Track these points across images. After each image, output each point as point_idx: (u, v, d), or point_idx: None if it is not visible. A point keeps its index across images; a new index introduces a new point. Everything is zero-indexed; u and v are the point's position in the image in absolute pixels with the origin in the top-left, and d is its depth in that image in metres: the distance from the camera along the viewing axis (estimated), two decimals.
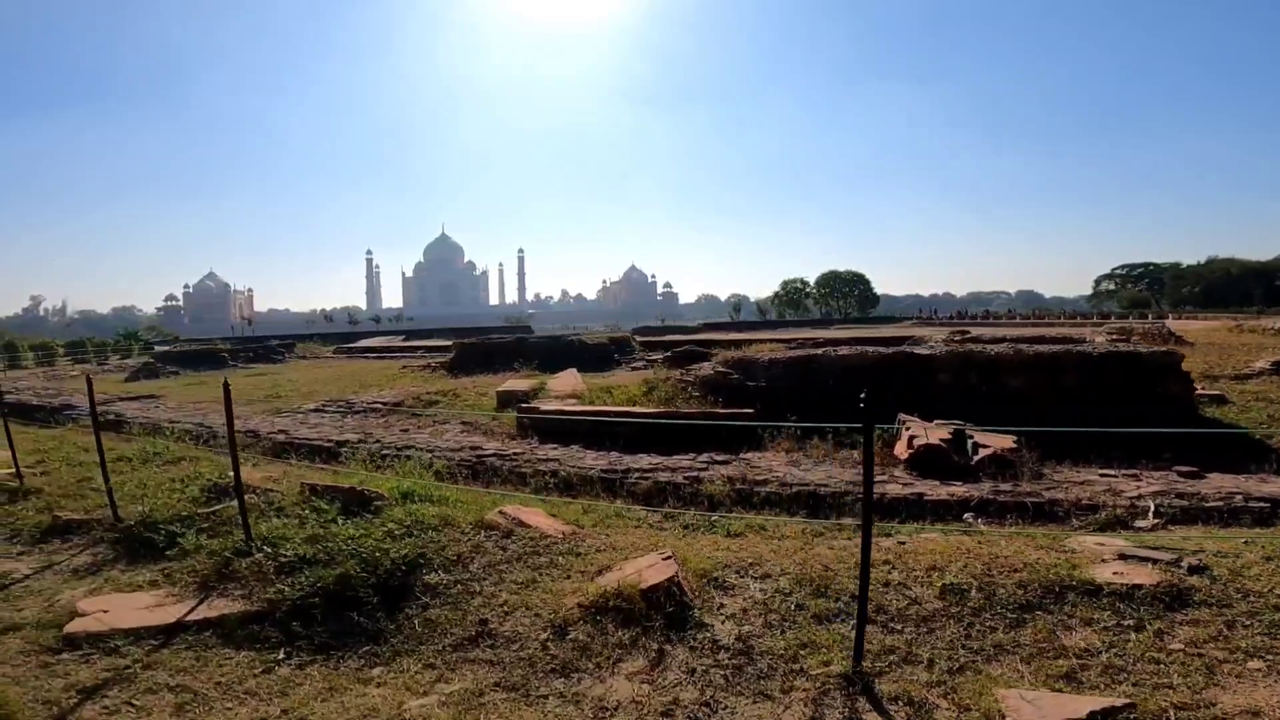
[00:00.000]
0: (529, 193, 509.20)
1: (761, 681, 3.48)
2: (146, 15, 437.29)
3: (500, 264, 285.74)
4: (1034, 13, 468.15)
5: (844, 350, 10.60)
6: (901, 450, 8.36)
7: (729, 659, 3.67)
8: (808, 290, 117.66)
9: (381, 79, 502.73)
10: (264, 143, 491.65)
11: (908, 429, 8.60)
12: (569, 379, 13.75)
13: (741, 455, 8.70)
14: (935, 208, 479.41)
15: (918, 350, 10.45)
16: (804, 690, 3.38)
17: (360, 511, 6.08)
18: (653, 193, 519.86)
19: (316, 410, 13.01)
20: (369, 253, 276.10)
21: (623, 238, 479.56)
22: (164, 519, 6.12)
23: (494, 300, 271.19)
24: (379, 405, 12.83)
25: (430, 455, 8.87)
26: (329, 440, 10.13)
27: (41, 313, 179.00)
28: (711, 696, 3.40)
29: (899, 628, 3.83)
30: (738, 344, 16.65)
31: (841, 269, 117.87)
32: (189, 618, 4.36)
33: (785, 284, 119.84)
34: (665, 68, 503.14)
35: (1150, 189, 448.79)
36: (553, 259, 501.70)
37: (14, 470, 8.58)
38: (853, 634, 3.57)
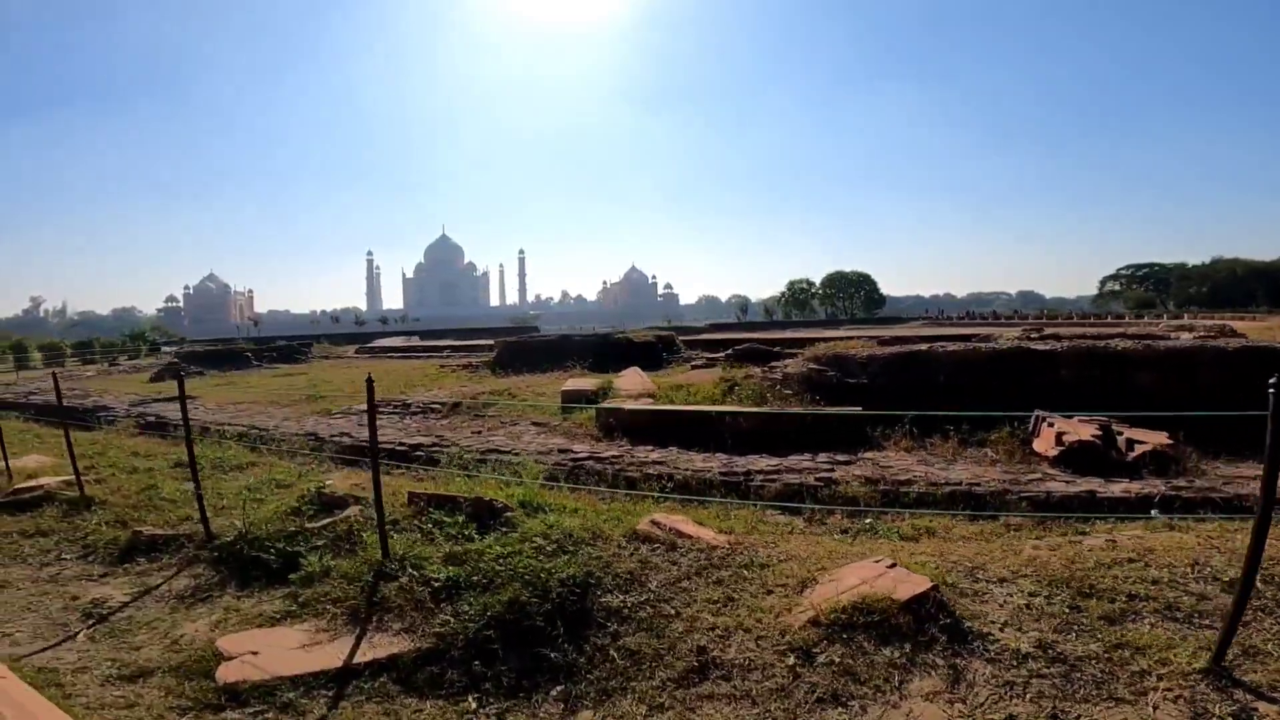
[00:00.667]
0: (529, 193, 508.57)
1: (1103, 686, 3.06)
2: (145, 15, 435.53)
3: (501, 265, 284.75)
4: (1033, 12, 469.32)
5: (953, 346, 9.90)
6: (1044, 447, 7.75)
7: (1045, 667, 3.19)
8: (813, 290, 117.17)
9: (381, 79, 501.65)
10: (264, 143, 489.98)
11: (1050, 425, 7.94)
12: (635, 378, 12.99)
13: (861, 455, 8.12)
14: (935, 208, 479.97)
15: (1035, 346, 9.75)
16: (1164, 690, 2.99)
17: (491, 524, 5.35)
18: (652, 193, 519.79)
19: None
20: (369, 253, 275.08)
21: (623, 239, 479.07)
22: (269, 535, 5.36)
23: (494, 301, 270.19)
24: (437, 405, 12.07)
25: (520, 459, 8.14)
26: (401, 444, 9.37)
27: (42, 314, 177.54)
28: (1053, 708, 2.95)
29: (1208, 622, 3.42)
30: (774, 343, 15.94)
31: (846, 269, 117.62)
32: (357, 660, 3.61)
33: (791, 284, 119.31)
34: (665, 68, 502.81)
35: (1150, 189, 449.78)
36: (553, 260, 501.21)
37: (72, 478, 7.83)
38: (1178, 632, 3.34)
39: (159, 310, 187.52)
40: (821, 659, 3.39)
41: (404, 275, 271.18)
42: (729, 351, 14.70)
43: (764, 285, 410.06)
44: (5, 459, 8.43)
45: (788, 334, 32.79)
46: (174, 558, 5.52)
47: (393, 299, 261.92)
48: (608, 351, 16.96)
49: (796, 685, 3.26)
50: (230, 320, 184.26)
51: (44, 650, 3.86)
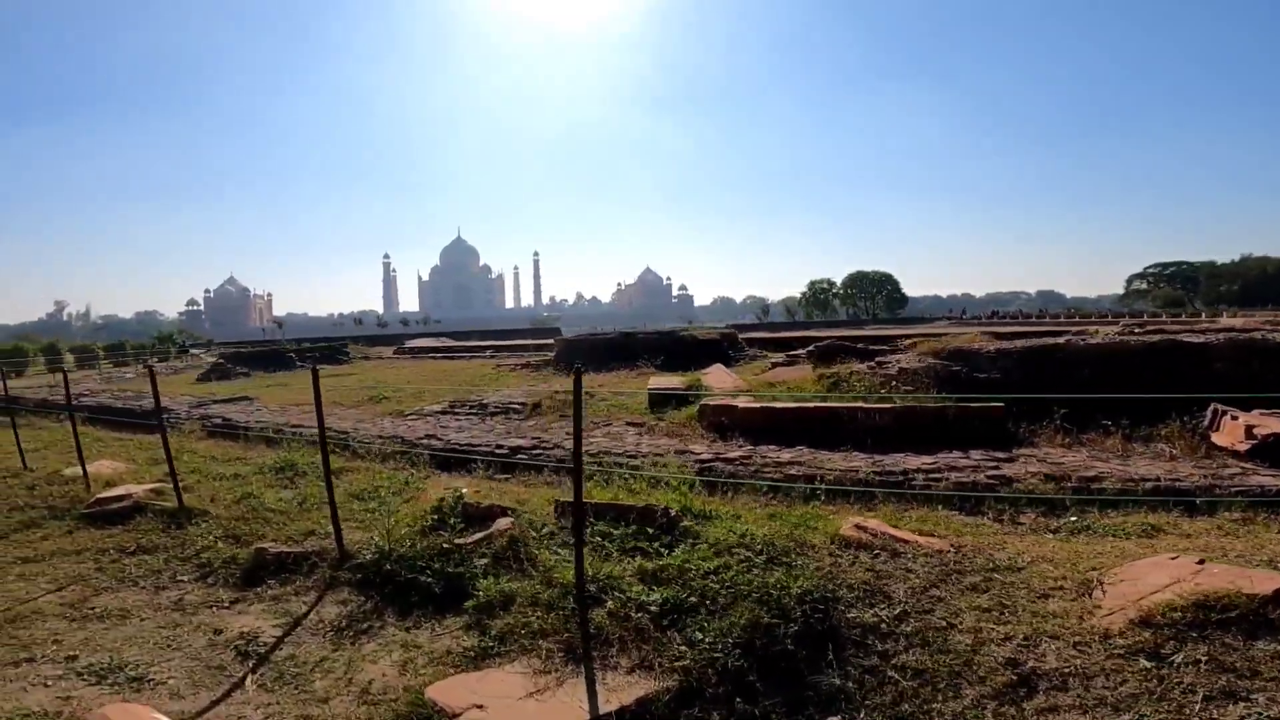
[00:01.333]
0: (544, 196, 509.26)
1: None
2: (165, 20, 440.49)
3: (515, 267, 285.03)
4: (1055, 11, 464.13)
5: (1095, 339, 9.08)
6: (1230, 440, 7.11)
7: None
8: (834, 291, 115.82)
9: (397, 84, 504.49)
10: (282, 147, 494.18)
11: (1234, 418, 7.16)
12: (722, 375, 12.25)
13: (1017, 452, 7.45)
14: (950, 209, 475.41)
15: (1188, 339, 8.92)
16: None
17: (664, 535, 4.64)
18: (666, 195, 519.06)
19: (447, 412, 11.56)
20: (386, 256, 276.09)
21: (637, 241, 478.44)
22: (417, 554, 4.65)
23: (509, 303, 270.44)
24: (516, 405, 11.36)
25: (638, 462, 7.43)
26: (499, 447, 8.66)
27: (65, 318, 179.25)
28: None
29: None
30: (856, 340, 15.08)
31: (868, 269, 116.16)
32: (604, 709, 2.89)
33: (812, 284, 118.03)
34: (676, 72, 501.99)
35: (1168, 189, 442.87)
36: (567, 262, 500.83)
37: (159, 486, 7.18)
38: None
39: (180, 313, 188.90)
40: (1180, 658, 3.06)
41: (420, 278, 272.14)
42: (810, 349, 13.89)
43: (777, 286, 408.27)
44: (83, 466, 7.79)
45: (830, 333, 31.78)
46: (308, 580, 4.82)
47: (408, 301, 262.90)
48: (672, 349, 16.19)
49: (1168, 687, 2.93)
50: (250, 323, 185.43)
51: (215, 705, 3.16)
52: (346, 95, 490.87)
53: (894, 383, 9.76)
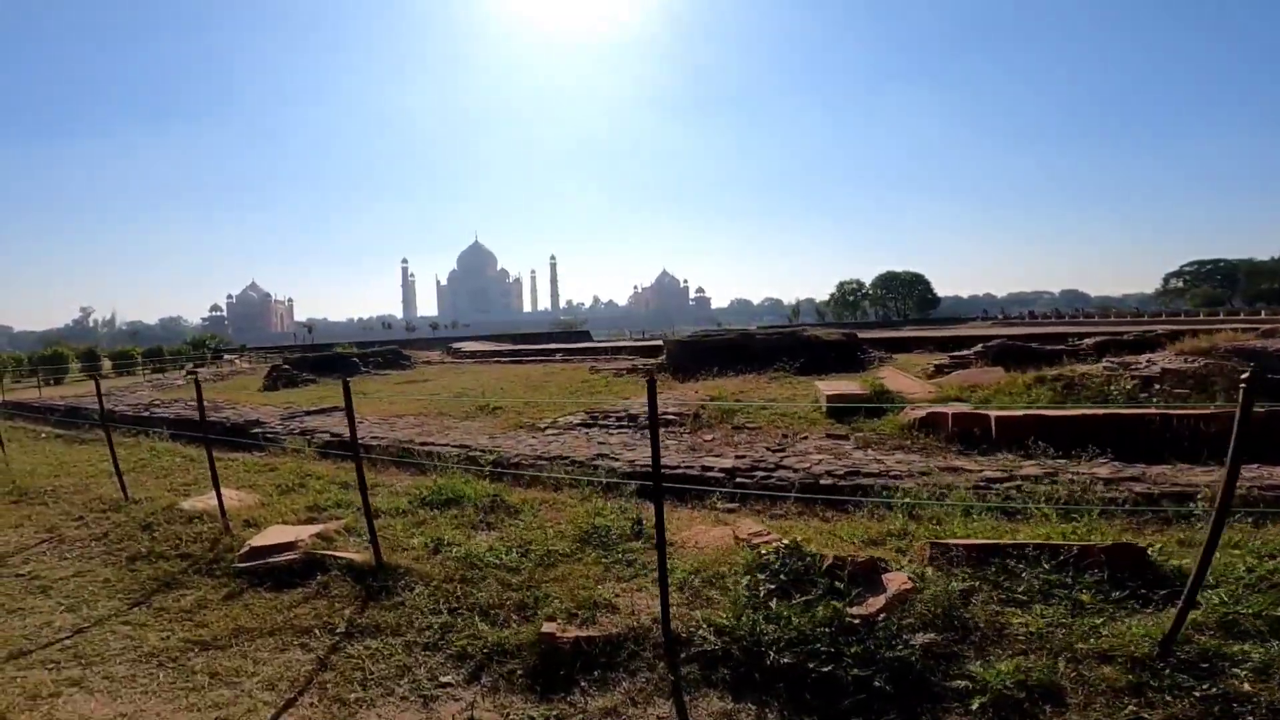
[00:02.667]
0: (560, 200, 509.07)
1: None
2: (185, 29, 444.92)
3: (533, 271, 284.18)
4: (1072, 8, 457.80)
5: None
6: None
7: None
8: (864, 291, 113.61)
9: (414, 92, 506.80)
10: (303, 155, 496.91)
11: None
12: (903, 379, 10.63)
13: None
14: (971, 209, 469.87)
15: None
16: None
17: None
18: (682, 198, 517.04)
19: (590, 424, 9.96)
20: (404, 261, 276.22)
21: (653, 243, 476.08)
22: (806, 635, 3.06)
23: (526, 307, 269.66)
24: (670, 416, 9.75)
25: (903, 484, 5.81)
26: (706, 468, 7.05)
27: (91, 323, 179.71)
28: None
29: None
30: (1028, 339, 13.32)
31: (898, 270, 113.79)
32: None
33: (841, 285, 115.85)
34: (692, 77, 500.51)
35: (1189, 187, 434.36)
36: (583, 265, 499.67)
37: (325, 530, 5.63)
38: None
39: (204, 319, 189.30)
40: None
41: (438, 282, 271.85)
42: (978, 348, 12.21)
43: (794, 288, 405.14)
44: (219, 499, 6.25)
45: (889, 333, 30.06)
46: (634, 679, 3.23)
47: (426, 306, 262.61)
48: (795, 351, 14.50)
49: None
50: (271, 328, 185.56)
51: None
52: (364, 103, 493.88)
53: (1156, 385, 8.06)
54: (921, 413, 8.18)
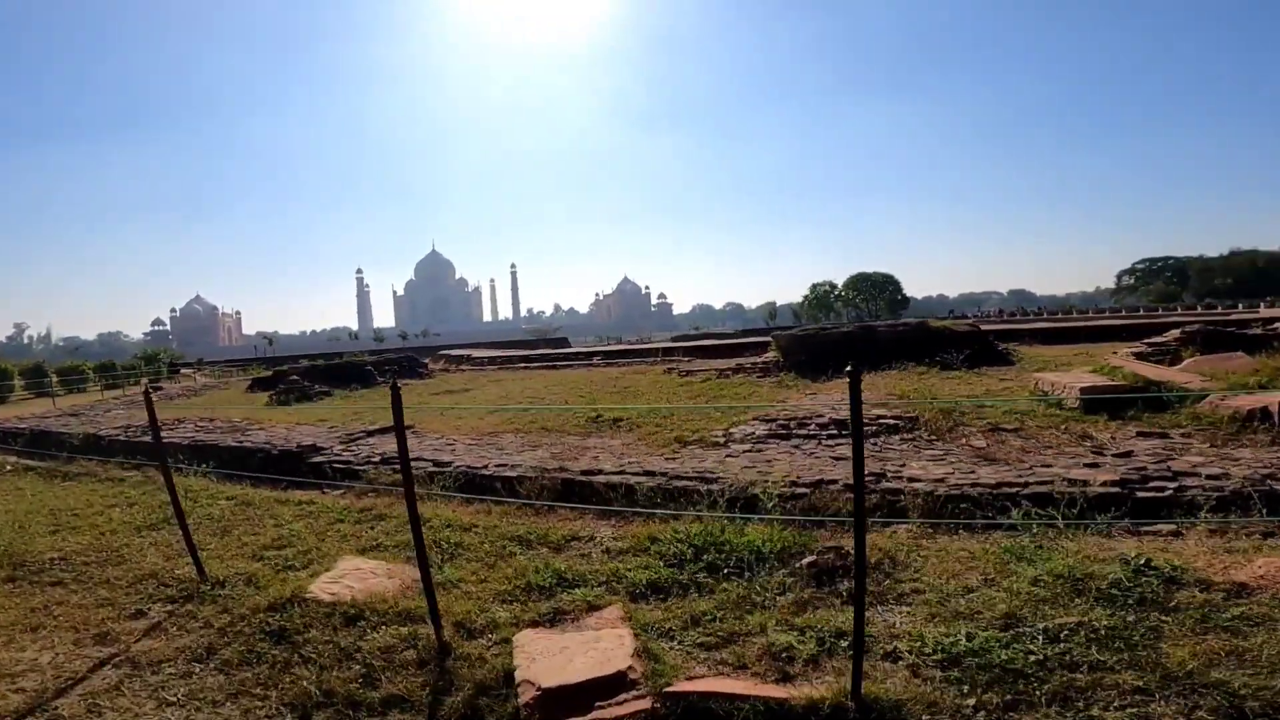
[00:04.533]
0: (520, 209, 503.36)
1: None
2: (129, 37, 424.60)
3: (492, 280, 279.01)
4: (1018, 18, 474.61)
5: None
6: None
7: None
8: (837, 293, 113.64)
9: (376, 101, 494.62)
10: (252, 163, 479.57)
11: None
12: (1137, 366, 8.56)
13: None
14: (926, 214, 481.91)
15: None
16: None
17: None
18: (644, 207, 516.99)
19: (774, 436, 7.65)
20: (359, 271, 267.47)
21: (615, 251, 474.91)
22: None
23: (486, 316, 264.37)
24: (889, 421, 7.53)
25: None
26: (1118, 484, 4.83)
27: (26, 340, 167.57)
28: None
29: None
30: (1229, 324, 11.49)
31: (869, 271, 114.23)
32: None
33: (814, 287, 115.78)
34: (655, 87, 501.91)
35: (1128, 190, 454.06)
36: (544, 273, 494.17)
37: (625, 655, 3.25)
38: None
39: (145, 334, 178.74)
40: None
41: (394, 292, 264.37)
42: (1177, 334, 10.35)
43: (754, 293, 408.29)
44: (432, 603, 3.78)
45: (993, 326, 28.07)
46: None
47: (382, 317, 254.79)
48: (922, 343, 12.47)
49: None
50: (219, 342, 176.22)
51: None
52: (319, 112, 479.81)
53: None
54: (1247, 403, 6.21)
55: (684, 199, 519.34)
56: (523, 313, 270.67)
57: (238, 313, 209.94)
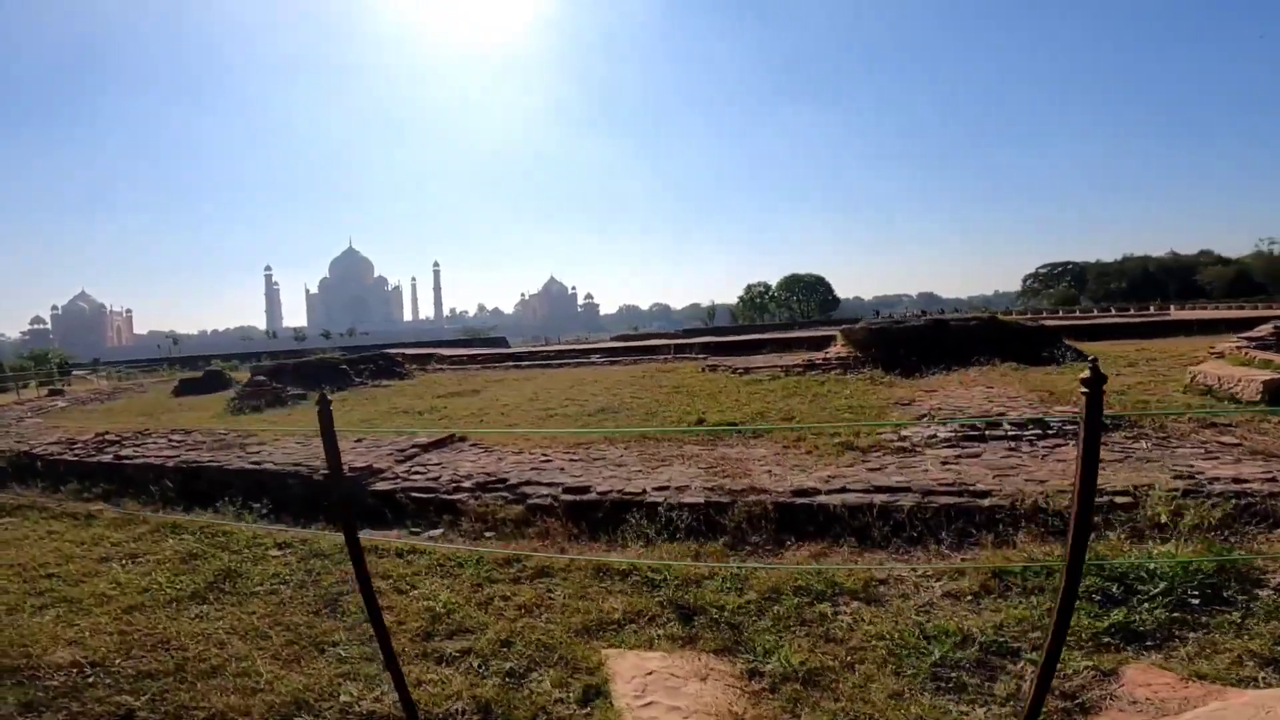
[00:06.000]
0: (441, 208, 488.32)
1: None
2: (22, 17, 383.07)
3: (414, 279, 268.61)
4: (933, 30, 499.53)
5: None
6: None
7: None
8: (771, 294, 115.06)
9: (294, 95, 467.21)
10: (147, 154, 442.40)
11: None
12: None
13: None
14: (842, 218, 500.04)
15: None
16: None
17: None
18: (571, 208, 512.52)
19: (966, 439, 6.33)
20: (268, 269, 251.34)
21: (540, 252, 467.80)
22: None
23: (407, 316, 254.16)
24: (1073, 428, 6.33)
25: None
26: None
27: None
28: None
29: None
30: None
31: (802, 273, 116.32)
32: None
33: (749, 288, 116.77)
34: (586, 90, 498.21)
35: (1030, 197, 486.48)
36: (466, 274, 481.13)
37: None
38: None
39: (23, 333, 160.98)
40: None
41: (307, 291, 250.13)
42: (1268, 328, 9.81)
43: (679, 294, 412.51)
44: None
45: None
46: None
47: (293, 316, 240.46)
48: (994, 339, 11.55)
49: None
50: (108, 342, 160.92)
51: None
52: (223, 102, 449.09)
53: None
54: None
55: (612, 201, 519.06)
56: (445, 313, 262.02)
57: (128, 311, 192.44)
